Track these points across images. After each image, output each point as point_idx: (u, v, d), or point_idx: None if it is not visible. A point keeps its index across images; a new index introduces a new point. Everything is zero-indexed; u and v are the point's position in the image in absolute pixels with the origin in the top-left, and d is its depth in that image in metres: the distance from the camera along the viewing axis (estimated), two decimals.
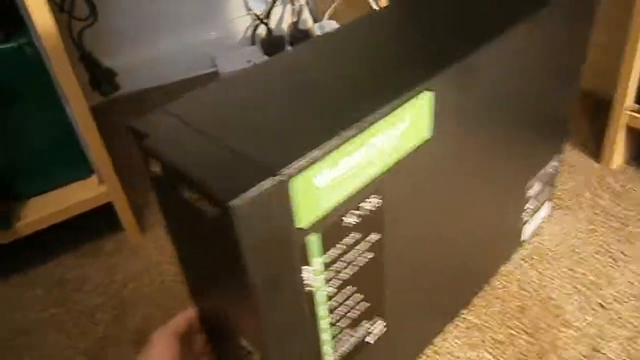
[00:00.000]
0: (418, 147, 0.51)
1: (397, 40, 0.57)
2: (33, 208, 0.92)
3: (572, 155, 1.08)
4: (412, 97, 0.47)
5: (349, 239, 0.48)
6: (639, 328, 0.75)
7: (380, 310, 0.59)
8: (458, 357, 0.74)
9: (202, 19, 1.54)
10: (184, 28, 1.52)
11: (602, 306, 0.79)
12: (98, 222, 1.05)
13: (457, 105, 0.54)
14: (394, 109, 0.46)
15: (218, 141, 0.42)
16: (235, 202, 0.36)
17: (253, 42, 1.58)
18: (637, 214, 0.93)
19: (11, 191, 0.91)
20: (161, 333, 0.55)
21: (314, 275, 0.47)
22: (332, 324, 0.52)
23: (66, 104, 0.86)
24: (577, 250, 0.88)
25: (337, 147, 0.42)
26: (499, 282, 0.84)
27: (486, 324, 0.78)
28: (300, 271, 0.45)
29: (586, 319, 0.77)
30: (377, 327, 0.60)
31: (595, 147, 1.08)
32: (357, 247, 0.50)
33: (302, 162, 0.40)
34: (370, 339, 0.60)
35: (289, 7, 1.61)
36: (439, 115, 0.52)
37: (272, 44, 1.51)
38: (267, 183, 0.38)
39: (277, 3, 1.58)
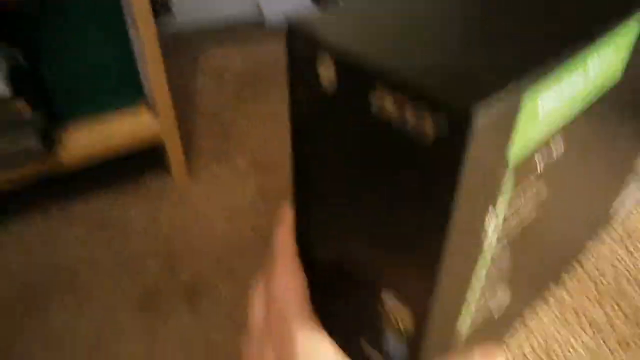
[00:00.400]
0: (605, 90, 0.43)
1: None
2: (78, 139, 0.82)
3: None
4: (629, 21, 0.39)
5: (530, 186, 0.41)
6: None
7: (512, 278, 0.52)
8: (554, 337, 0.68)
9: None
10: None
11: None
12: (140, 161, 0.96)
13: None
14: (616, 32, 0.38)
15: (420, 41, 0.34)
16: (478, 112, 0.28)
17: None
18: None
19: (58, 111, 0.81)
20: (284, 253, 0.46)
21: (492, 222, 0.39)
22: (483, 290, 0.45)
23: (132, 27, 0.76)
24: None
25: (567, 62, 0.34)
26: (590, 261, 0.78)
27: (581, 304, 0.72)
28: (485, 214, 0.37)
29: None
30: (504, 299, 0.53)
31: None
32: (530, 200, 0.43)
33: (539, 74, 0.31)
34: (495, 312, 0.53)
35: None
36: (634, 56, 0.44)
37: None
38: (507, 95, 0.30)
39: None
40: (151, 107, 0.84)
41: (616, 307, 0.72)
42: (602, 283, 0.75)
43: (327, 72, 0.35)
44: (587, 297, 0.73)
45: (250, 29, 1.37)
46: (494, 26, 0.37)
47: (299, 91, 0.39)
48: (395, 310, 0.42)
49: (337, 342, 0.51)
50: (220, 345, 0.66)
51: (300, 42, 0.37)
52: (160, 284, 0.76)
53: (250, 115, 1.08)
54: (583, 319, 0.70)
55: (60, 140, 0.78)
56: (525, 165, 0.38)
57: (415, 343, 0.42)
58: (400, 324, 0.42)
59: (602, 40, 0.37)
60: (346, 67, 0.34)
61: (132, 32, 0.77)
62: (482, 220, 0.37)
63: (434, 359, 0.46)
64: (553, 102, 0.35)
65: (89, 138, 0.81)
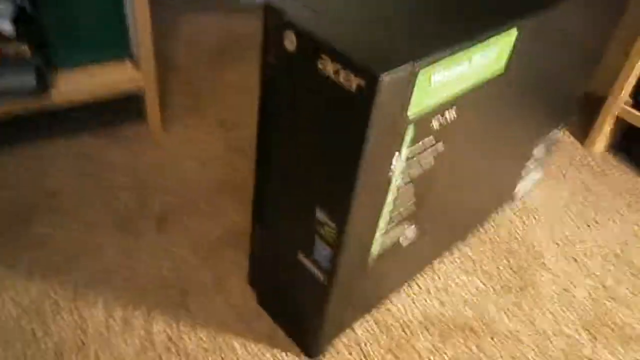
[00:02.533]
0: (492, 78, 0.59)
1: None
2: (70, 82, 0.93)
3: (560, 135, 1.21)
4: (508, 29, 0.55)
5: (427, 140, 0.56)
6: (601, 280, 0.89)
7: (418, 217, 0.68)
8: (453, 279, 0.85)
9: None
10: None
11: (574, 259, 0.92)
12: (117, 109, 1.08)
13: (527, 53, 0.63)
14: (495, 34, 0.53)
15: (357, 29, 0.48)
16: (384, 77, 0.43)
17: None
18: (610, 193, 1.07)
19: (50, 58, 0.92)
20: None
21: (398, 164, 0.54)
22: (390, 214, 0.61)
23: None
24: (557, 212, 1.01)
25: (457, 53, 0.49)
26: (491, 227, 0.96)
27: (478, 257, 0.90)
28: (392, 156, 0.52)
29: (561, 267, 0.90)
30: (411, 232, 0.69)
31: (580, 132, 1.21)
32: (429, 150, 0.58)
33: (432, 58, 0.47)
34: (403, 242, 0.69)
35: None
36: (513, 58, 0.60)
37: None
38: (407, 68, 0.45)
39: None
40: (135, 61, 0.95)
41: (505, 262, 0.90)
42: (497, 243, 0.93)
43: (289, 39, 0.50)
44: (484, 252, 0.91)
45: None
46: (413, 18, 0.52)
47: (270, 51, 0.53)
48: (325, 223, 0.57)
49: (277, 267, 0.66)
50: (182, 260, 0.80)
51: (273, 17, 0.51)
52: (133, 211, 0.88)
53: (221, 81, 1.22)
54: (478, 267, 0.88)
55: (53, 83, 0.89)
56: (423, 123, 0.53)
57: (337, 249, 0.57)
58: (327, 234, 0.57)
59: (486, 41, 0.53)
60: (302, 39, 0.48)
61: None
62: (390, 158, 0.52)
63: (349, 262, 0.61)
64: (442, 79, 0.50)
65: (79, 83, 0.92)
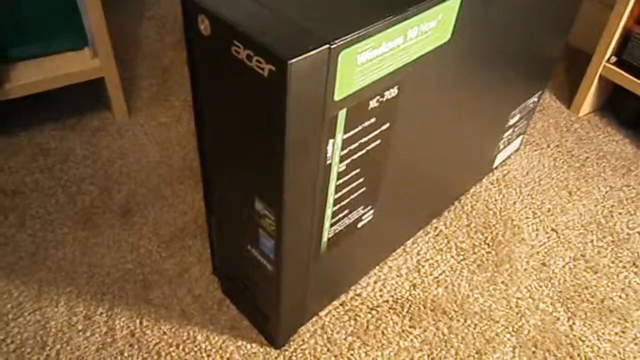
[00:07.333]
0: (437, 48, 0.55)
1: None
2: (24, 73, 0.90)
3: (545, 99, 1.16)
4: None
5: (367, 122, 0.53)
6: (582, 251, 0.85)
7: (373, 199, 0.65)
8: (426, 259, 0.83)
9: None
10: None
11: (554, 230, 0.88)
12: (81, 98, 1.05)
13: (476, 18, 0.58)
14: (433, 5, 0.49)
15: (274, 10, 0.44)
16: (294, 62, 0.39)
17: None
18: (596, 157, 1.02)
19: (3, 52, 0.89)
20: None
21: (335, 150, 0.51)
22: (337, 201, 0.58)
23: None
24: (539, 181, 0.97)
25: (384, 29, 0.45)
26: (468, 200, 0.92)
27: (453, 234, 0.87)
28: (326, 143, 0.49)
29: (540, 240, 0.87)
30: (368, 215, 0.66)
31: (567, 95, 1.16)
32: (371, 132, 0.55)
33: (353, 37, 0.43)
34: (360, 226, 0.66)
35: None
36: (460, 24, 0.56)
37: None
38: (322, 50, 0.41)
39: None
40: (92, 47, 0.92)
41: (481, 237, 0.87)
42: (473, 218, 0.90)
43: (204, 24, 0.46)
44: (459, 229, 0.88)
45: None
46: None
47: (189, 32, 0.50)
48: (264, 215, 0.54)
49: (233, 258, 0.64)
50: (145, 252, 0.79)
51: (188, 2, 0.47)
52: (96, 203, 0.87)
53: (186, 62, 1.18)
54: (452, 245, 0.85)
55: (7, 76, 0.86)
56: (358, 106, 0.49)
57: (279, 241, 0.55)
58: (268, 226, 0.55)
59: (422, 14, 0.49)
60: (214, 23, 0.45)
61: None
62: (323, 146, 0.49)
63: (295, 252, 0.58)
64: (371, 58, 0.47)
65: (34, 75, 0.88)
